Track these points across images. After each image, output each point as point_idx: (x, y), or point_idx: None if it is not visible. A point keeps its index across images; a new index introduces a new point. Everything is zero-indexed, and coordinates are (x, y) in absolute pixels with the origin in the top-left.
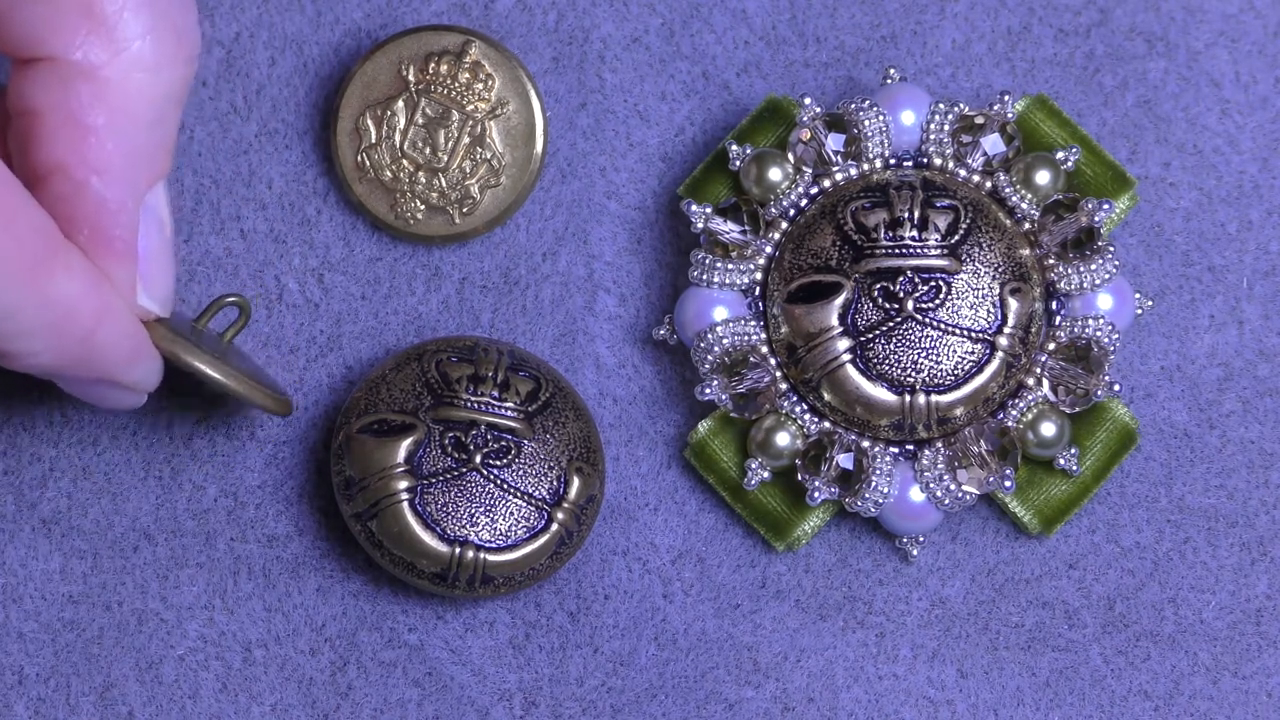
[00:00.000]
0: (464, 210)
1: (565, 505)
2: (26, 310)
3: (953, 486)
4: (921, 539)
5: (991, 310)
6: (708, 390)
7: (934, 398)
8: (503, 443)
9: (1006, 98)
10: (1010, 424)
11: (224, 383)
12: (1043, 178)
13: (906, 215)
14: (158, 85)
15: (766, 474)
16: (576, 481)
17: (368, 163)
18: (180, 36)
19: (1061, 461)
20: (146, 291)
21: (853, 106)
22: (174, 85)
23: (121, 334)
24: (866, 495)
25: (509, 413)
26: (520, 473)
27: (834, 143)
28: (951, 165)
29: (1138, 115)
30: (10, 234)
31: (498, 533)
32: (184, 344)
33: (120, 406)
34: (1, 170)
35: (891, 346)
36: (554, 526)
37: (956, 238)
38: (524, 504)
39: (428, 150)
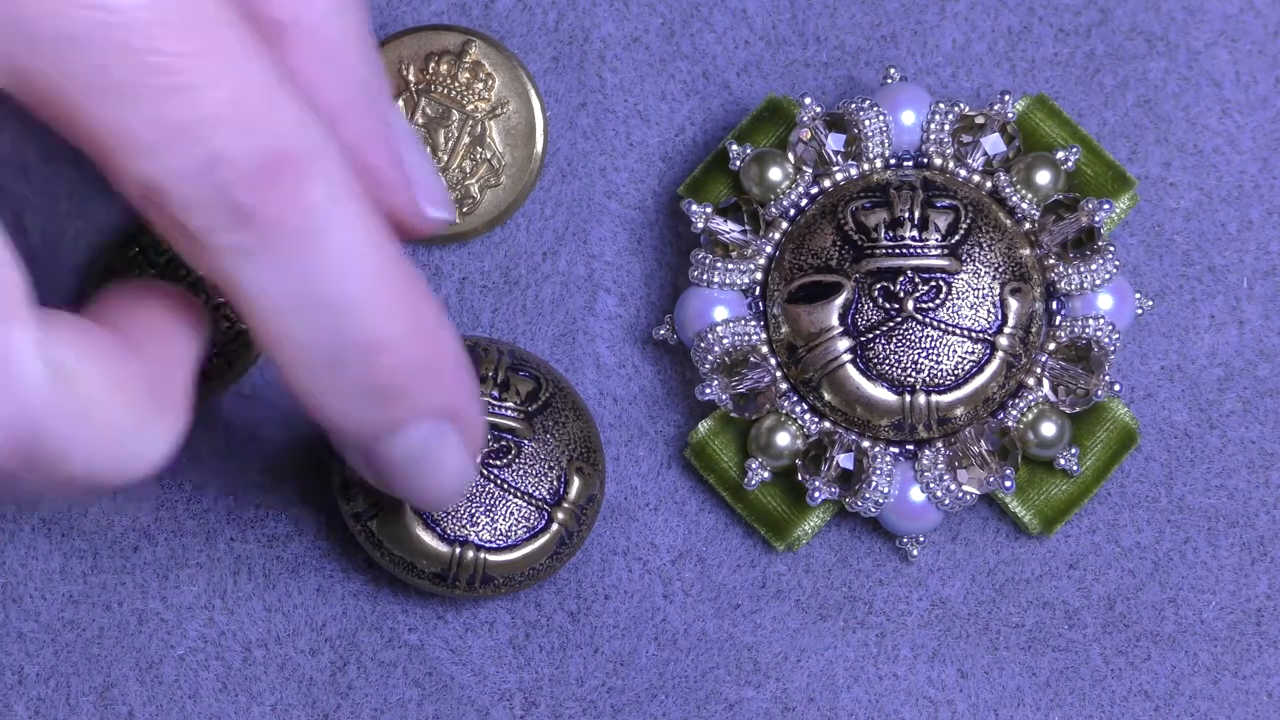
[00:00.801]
0: (464, 210)
1: (565, 505)
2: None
3: (953, 486)
4: (921, 539)
5: (991, 310)
6: (708, 390)
7: (934, 398)
8: (503, 443)
9: (1007, 98)
10: (1010, 424)
11: None
12: (1043, 178)
13: (907, 215)
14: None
15: (766, 474)
16: (576, 481)
17: None
18: None
19: (1062, 461)
20: (429, 202)
21: (853, 106)
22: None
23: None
24: (866, 495)
25: (509, 413)
26: (520, 473)
27: (834, 143)
28: (952, 165)
29: (1138, 115)
30: None
31: (498, 533)
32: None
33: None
34: None
35: (892, 346)
36: (554, 526)
37: (957, 238)
38: (524, 504)
39: (428, 150)
